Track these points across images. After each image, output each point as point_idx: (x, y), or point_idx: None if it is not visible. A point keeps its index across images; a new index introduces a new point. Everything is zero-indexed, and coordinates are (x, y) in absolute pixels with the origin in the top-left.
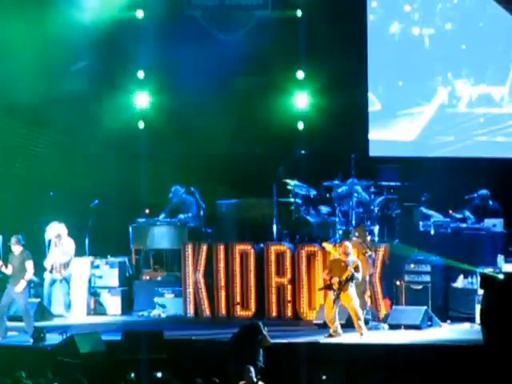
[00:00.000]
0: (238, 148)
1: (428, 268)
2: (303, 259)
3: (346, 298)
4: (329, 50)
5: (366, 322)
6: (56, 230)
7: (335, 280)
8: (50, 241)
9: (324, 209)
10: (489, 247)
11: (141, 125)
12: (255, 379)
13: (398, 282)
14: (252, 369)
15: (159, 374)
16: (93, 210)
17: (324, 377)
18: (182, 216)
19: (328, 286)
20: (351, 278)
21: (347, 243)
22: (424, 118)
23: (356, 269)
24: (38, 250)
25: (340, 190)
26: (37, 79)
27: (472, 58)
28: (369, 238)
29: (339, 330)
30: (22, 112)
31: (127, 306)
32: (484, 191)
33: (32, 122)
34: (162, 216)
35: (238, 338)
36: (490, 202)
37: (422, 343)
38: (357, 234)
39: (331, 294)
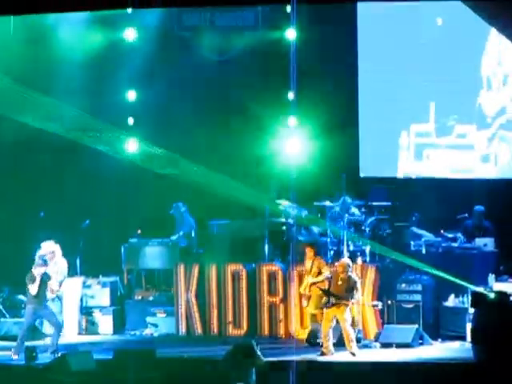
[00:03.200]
0: (229, 167)
1: (419, 287)
2: (295, 279)
3: (340, 314)
4: (320, 71)
5: (358, 340)
6: (50, 249)
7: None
8: (43, 258)
9: (315, 229)
10: (480, 266)
11: (131, 145)
12: None
13: (389, 301)
14: None
15: None
16: (84, 230)
17: None
18: (173, 237)
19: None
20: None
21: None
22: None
23: (354, 288)
24: (28, 269)
25: (332, 210)
26: (25, 99)
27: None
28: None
29: (331, 348)
30: (12, 133)
31: (119, 325)
32: (479, 207)
33: (23, 144)
34: (175, 236)
35: (231, 357)
36: (484, 221)
37: (413, 362)
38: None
39: (328, 311)
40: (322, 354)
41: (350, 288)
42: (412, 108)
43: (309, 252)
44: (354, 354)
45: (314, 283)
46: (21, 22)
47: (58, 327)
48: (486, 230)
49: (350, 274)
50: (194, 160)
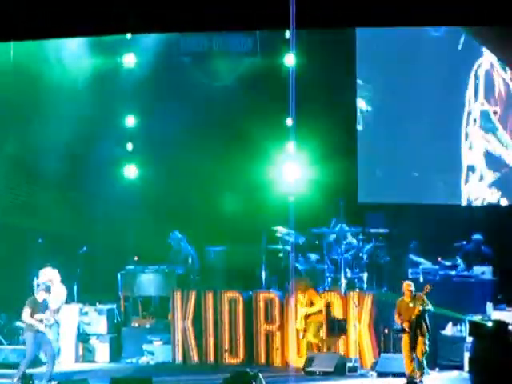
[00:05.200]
0: (226, 195)
1: None
2: (292, 306)
3: (420, 344)
4: (319, 98)
5: (355, 369)
6: (49, 275)
7: (407, 324)
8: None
9: (313, 256)
10: (478, 295)
11: (129, 171)
12: None
13: (386, 330)
14: None
15: None
16: (81, 257)
17: None
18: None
19: (400, 330)
20: (423, 320)
21: (408, 282)
22: None
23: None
24: (26, 295)
25: (329, 237)
26: (25, 126)
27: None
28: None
29: (419, 374)
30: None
31: (116, 352)
32: (477, 236)
33: (20, 172)
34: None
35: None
36: (483, 247)
37: None
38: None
39: (405, 338)
40: (411, 378)
41: (420, 305)
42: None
43: (302, 284)
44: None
45: (308, 315)
46: (18, 49)
47: (53, 356)
48: (484, 257)
49: (414, 293)
50: (192, 185)
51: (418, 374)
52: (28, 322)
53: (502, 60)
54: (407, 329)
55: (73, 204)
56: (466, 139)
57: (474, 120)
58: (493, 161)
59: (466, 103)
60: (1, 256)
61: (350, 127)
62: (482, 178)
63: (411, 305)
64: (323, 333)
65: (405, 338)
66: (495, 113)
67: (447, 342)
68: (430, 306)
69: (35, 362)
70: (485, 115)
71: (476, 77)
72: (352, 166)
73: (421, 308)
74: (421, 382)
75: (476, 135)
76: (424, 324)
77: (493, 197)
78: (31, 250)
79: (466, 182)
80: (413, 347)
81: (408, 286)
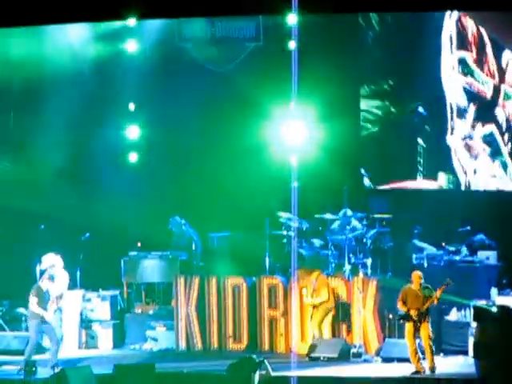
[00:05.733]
0: (229, 180)
1: None
2: (296, 292)
3: (425, 331)
4: (322, 81)
5: (359, 355)
6: (51, 261)
7: (414, 312)
8: (42, 272)
9: (317, 242)
10: (482, 280)
11: (132, 158)
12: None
13: (390, 315)
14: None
15: None
16: (84, 244)
17: None
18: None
19: (406, 317)
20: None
21: (419, 272)
22: None
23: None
24: (29, 282)
25: (333, 223)
26: (24, 108)
27: None
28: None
29: (423, 363)
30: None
31: (119, 339)
32: (481, 236)
33: (22, 156)
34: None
35: (236, 370)
36: (487, 242)
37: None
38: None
39: (409, 326)
40: (417, 372)
41: (427, 298)
42: None
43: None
44: (433, 370)
45: (315, 306)
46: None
47: (57, 343)
48: (488, 248)
49: (424, 285)
50: (195, 169)
51: (429, 359)
52: (36, 312)
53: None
54: (414, 317)
55: (75, 190)
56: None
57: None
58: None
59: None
60: (3, 243)
61: (355, 107)
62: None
63: (420, 294)
64: (330, 320)
65: (408, 327)
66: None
67: (452, 328)
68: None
69: (38, 348)
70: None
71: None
72: (357, 148)
73: (432, 303)
74: (434, 366)
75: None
76: (429, 314)
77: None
78: (34, 237)
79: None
80: (416, 335)
81: (419, 277)
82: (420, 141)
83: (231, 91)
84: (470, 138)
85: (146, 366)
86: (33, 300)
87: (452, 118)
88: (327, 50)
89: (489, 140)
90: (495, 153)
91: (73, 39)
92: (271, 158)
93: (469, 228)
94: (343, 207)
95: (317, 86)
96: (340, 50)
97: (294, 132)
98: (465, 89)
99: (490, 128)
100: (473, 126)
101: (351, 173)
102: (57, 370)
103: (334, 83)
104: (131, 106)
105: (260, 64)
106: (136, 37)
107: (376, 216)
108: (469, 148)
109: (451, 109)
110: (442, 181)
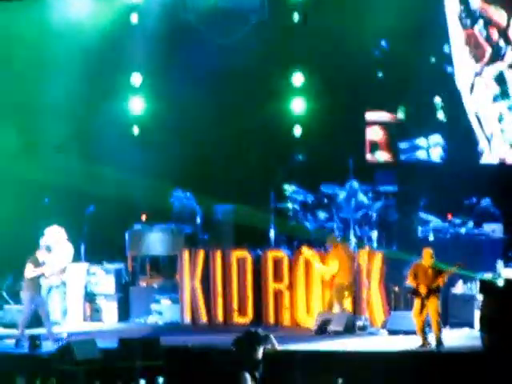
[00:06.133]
0: (234, 153)
1: None
2: (301, 265)
3: (433, 305)
4: (327, 53)
5: (365, 328)
6: (55, 234)
7: (423, 288)
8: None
9: (322, 214)
10: (488, 253)
11: (135, 130)
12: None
13: (396, 288)
14: (248, 377)
15: (161, 380)
16: (88, 216)
17: (340, 381)
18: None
19: (415, 292)
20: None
21: (431, 250)
22: None
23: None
24: (33, 254)
25: (339, 195)
26: (31, 80)
27: None
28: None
29: (429, 338)
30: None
31: (123, 312)
32: (486, 201)
33: (28, 127)
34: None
35: (241, 343)
36: (492, 210)
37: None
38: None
39: (417, 303)
40: (423, 345)
41: (437, 276)
42: None
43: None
44: (440, 345)
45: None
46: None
47: (48, 316)
48: (494, 218)
49: (437, 264)
50: (197, 142)
51: (436, 335)
52: (31, 276)
53: None
54: (423, 294)
55: (80, 162)
56: None
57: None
58: None
59: None
60: (7, 216)
61: (355, 85)
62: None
63: (431, 271)
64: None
65: (416, 303)
66: None
67: (458, 301)
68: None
69: (40, 322)
70: None
71: None
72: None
73: (441, 283)
74: (440, 341)
75: None
76: (438, 290)
77: None
78: (38, 210)
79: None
80: (424, 310)
81: (430, 254)
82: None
83: (236, 63)
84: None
85: (150, 340)
86: (28, 267)
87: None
88: (331, 22)
89: None
90: None
91: (78, 11)
92: (276, 130)
93: (475, 200)
94: (349, 179)
95: (321, 57)
96: (344, 21)
97: (298, 104)
98: None
99: None
100: None
101: (357, 145)
102: (61, 343)
103: (339, 55)
104: (136, 79)
105: (265, 36)
106: (140, 9)
107: (381, 189)
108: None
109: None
110: None
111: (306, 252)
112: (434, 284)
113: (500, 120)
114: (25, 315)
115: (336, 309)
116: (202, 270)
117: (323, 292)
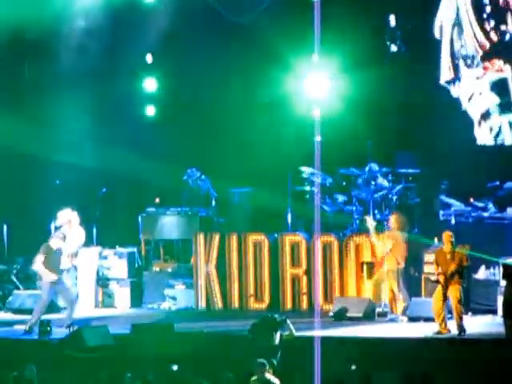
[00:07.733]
0: (251, 135)
1: None
2: (319, 250)
3: (454, 292)
4: (345, 31)
5: (385, 314)
6: (67, 217)
7: (441, 276)
8: (58, 228)
9: (340, 197)
10: (511, 237)
11: (150, 111)
12: (267, 375)
13: (416, 273)
14: (265, 364)
15: (175, 367)
16: (101, 199)
17: (353, 367)
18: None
19: (437, 281)
20: (459, 272)
21: (449, 232)
22: None
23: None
24: (43, 239)
25: (358, 178)
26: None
27: None
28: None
29: (447, 325)
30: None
31: (136, 298)
32: (509, 184)
33: (39, 110)
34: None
35: (258, 329)
36: None
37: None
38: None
39: (438, 290)
40: (439, 332)
41: (459, 261)
42: None
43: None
44: (462, 332)
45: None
46: None
47: (72, 302)
48: None
49: (455, 247)
50: (213, 123)
51: (457, 322)
52: (38, 272)
53: None
54: (442, 282)
55: (92, 145)
56: None
57: None
58: None
59: None
60: (18, 199)
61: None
62: None
63: (449, 257)
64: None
65: (437, 292)
66: None
67: (480, 286)
68: (468, 263)
69: (52, 307)
70: None
71: None
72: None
73: (457, 266)
74: (462, 328)
75: None
76: (459, 276)
77: None
78: (49, 193)
79: None
80: (444, 299)
81: (449, 236)
82: None
83: (252, 42)
84: None
85: (164, 326)
86: (40, 258)
87: None
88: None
89: None
90: None
91: None
92: (294, 111)
93: (498, 183)
94: (368, 162)
95: (340, 36)
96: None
97: (317, 84)
98: None
99: None
100: None
101: (376, 126)
102: (72, 329)
103: (358, 33)
104: (149, 58)
105: (282, 14)
106: None
107: (402, 171)
108: None
109: None
110: None
111: (370, 220)
112: (449, 270)
113: None
114: (42, 303)
115: (384, 294)
116: (218, 255)
117: (358, 275)
